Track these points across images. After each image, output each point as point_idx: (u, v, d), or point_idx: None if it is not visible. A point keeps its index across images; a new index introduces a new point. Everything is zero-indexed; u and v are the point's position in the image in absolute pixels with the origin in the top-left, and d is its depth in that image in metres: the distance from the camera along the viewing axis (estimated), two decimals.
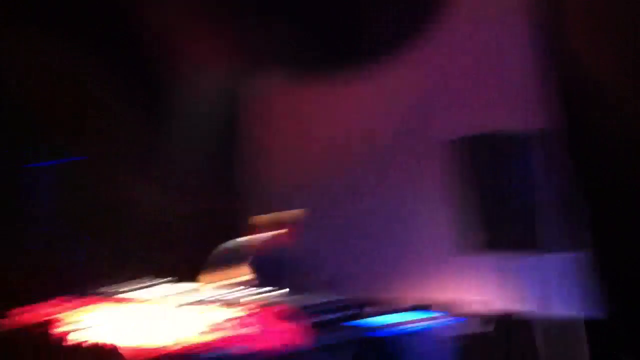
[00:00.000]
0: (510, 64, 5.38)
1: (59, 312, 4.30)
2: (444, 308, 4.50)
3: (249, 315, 3.70)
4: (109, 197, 6.45)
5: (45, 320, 4.21)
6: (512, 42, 5.38)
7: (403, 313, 4.32)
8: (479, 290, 5.17)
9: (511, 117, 4.97)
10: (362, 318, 3.98)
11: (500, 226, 4.21)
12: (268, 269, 4.72)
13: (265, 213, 5.35)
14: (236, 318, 3.69)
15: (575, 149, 5.03)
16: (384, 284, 5.82)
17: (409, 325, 4.01)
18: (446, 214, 4.53)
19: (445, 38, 5.76)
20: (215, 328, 3.61)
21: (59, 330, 4.04)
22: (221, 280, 4.67)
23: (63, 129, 6.48)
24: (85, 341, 3.85)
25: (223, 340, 3.50)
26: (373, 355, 3.88)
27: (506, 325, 4.74)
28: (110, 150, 6.54)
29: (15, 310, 4.42)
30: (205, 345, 3.47)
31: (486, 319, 4.73)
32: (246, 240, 5.13)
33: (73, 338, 3.91)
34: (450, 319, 4.21)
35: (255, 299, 4.04)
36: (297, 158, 6.78)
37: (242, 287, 4.45)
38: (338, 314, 3.90)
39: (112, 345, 3.67)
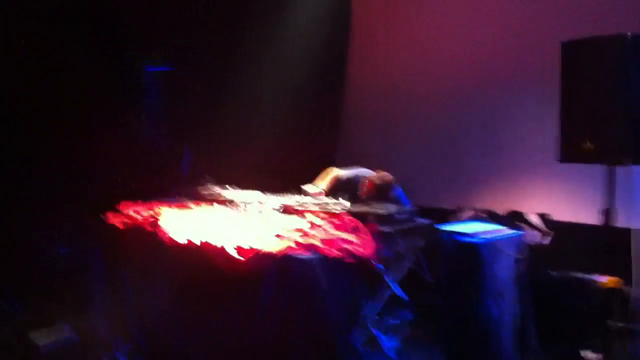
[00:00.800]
0: None
1: (163, 212, 4.66)
2: (509, 219, 4.74)
3: (326, 224, 4.00)
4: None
5: (154, 220, 4.54)
6: None
7: (467, 222, 4.61)
8: (577, 198, 5.37)
9: (624, 21, 4.94)
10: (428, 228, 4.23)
11: (611, 135, 3.94)
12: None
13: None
14: (315, 226, 4.00)
15: None
16: (485, 191, 6.11)
17: (473, 234, 4.22)
18: (552, 120, 4.32)
19: None
20: (297, 234, 3.89)
21: (167, 228, 4.32)
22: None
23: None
24: (192, 241, 4.10)
25: (305, 246, 3.77)
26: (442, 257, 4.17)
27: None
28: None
29: (124, 207, 4.81)
30: (292, 249, 3.74)
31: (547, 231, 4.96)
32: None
33: (181, 238, 4.16)
34: (514, 231, 4.42)
35: (330, 208, 4.29)
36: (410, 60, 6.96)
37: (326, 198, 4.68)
38: (406, 224, 4.15)
39: (221, 246, 3.89)
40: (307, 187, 4.97)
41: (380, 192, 4.84)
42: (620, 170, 4.07)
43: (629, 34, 3.91)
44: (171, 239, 4.25)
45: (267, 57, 7.29)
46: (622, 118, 3.94)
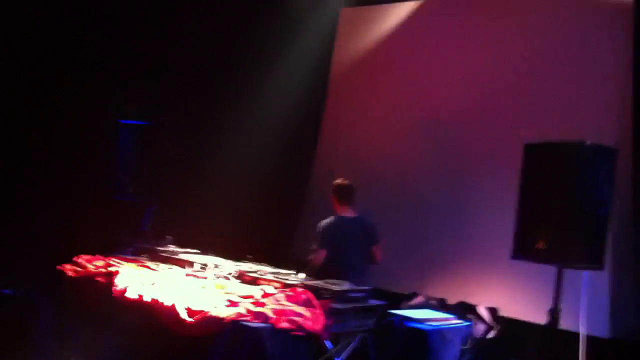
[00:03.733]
0: (596, 79, 5.68)
1: (119, 266, 4.66)
2: (458, 308, 4.82)
3: (279, 294, 4.03)
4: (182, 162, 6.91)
5: (107, 272, 4.53)
6: (603, 60, 5.67)
7: (418, 309, 4.67)
8: (528, 296, 5.47)
9: (588, 129, 5.24)
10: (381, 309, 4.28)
11: (564, 237, 4.01)
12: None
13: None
14: (268, 295, 4.03)
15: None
16: (434, 282, 6.22)
17: (423, 321, 4.26)
18: (509, 218, 4.41)
19: (540, 43, 6.09)
20: (249, 303, 3.92)
21: (119, 282, 4.32)
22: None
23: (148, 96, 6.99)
24: (143, 297, 4.09)
25: (255, 314, 3.77)
26: (383, 342, 4.17)
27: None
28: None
29: (80, 258, 4.81)
30: (242, 316, 3.73)
31: (494, 325, 5.05)
32: None
33: (132, 293, 4.16)
34: (462, 321, 4.48)
35: (284, 279, 4.36)
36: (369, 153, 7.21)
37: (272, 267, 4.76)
38: (359, 303, 4.19)
39: (171, 305, 3.89)
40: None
41: None
42: (570, 273, 4.18)
43: (587, 142, 4.10)
44: (123, 293, 4.24)
45: (242, 121, 7.43)
46: (576, 223, 4.06)
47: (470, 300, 5.58)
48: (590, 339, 4.27)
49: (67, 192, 6.61)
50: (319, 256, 5.34)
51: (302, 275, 4.55)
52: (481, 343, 4.88)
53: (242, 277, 4.51)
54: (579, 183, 4.07)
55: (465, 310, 5.29)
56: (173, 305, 3.92)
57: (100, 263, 4.77)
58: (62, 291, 4.75)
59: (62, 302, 4.71)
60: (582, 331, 4.20)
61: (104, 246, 5.29)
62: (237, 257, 5.03)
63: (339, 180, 5.62)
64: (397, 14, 7.28)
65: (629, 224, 5.29)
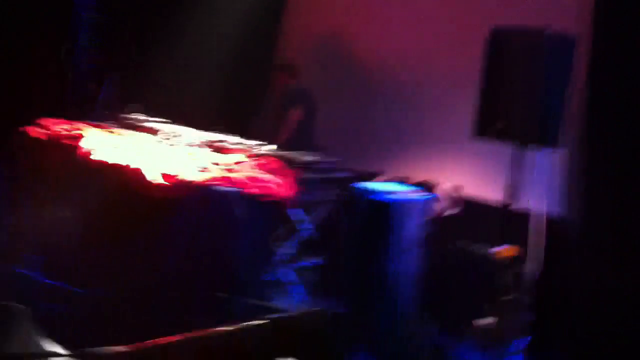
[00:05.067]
0: None
1: (82, 129, 4.61)
2: (422, 186, 4.96)
3: (250, 162, 4.09)
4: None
5: (72, 135, 4.48)
6: None
7: (385, 183, 4.79)
8: (485, 178, 5.62)
9: (549, 17, 4.97)
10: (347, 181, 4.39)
11: (522, 117, 4.18)
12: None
13: None
14: (240, 162, 4.09)
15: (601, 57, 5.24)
16: (398, 162, 6.34)
17: (386, 193, 4.37)
18: (469, 99, 4.55)
19: None
20: (221, 168, 3.97)
21: (85, 144, 4.30)
22: None
23: None
24: (108, 160, 4.12)
25: (227, 179, 3.86)
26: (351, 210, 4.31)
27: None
28: None
29: (43, 121, 4.69)
30: (213, 180, 3.81)
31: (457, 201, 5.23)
32: None
33: (98, 155, 4.17)
34: (424, 194, 4.64)
35: (257, 149, 4.42)
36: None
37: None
38: (327, 174, 4.33)
39: (137, 168, 3.93)
40: None
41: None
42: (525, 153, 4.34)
43: (549, 30, 4.18)
44: (89, 155, 4.22)
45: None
46: (534, 104, 4.21)
47: (433, 179, 5.71)
48: (544, 217, 4.44)
49: (19, 60, 6.36)
50: (297, 114, 5.66)
51: (272, 146, 4.58)
52: (445, 219, 5.06)
53: (213, 146, 4.50)
54: (539, 68, 4.18)
55: (428, 188, 5.43)
56: (139, 169, 3.93)
57: (65, 127, 4.67)
58: (24, 153, 4.66)
59: (27, 164, 4.63)
60: (535, 208, 4.38)
61: (64, 114, 5.16)
62: (207, 128, 4.99)
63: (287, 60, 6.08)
64: None
65: (582, 109, 5.43)
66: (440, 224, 4.81)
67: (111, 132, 4.74)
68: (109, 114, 5.25)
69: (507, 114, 4.25)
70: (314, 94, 6.08)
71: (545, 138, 4.26)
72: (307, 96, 5.88)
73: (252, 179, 3.90)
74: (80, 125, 4.74)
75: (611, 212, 5.15)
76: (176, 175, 3.85)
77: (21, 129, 4.67)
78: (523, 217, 4.50)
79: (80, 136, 4.46)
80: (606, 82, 5.30)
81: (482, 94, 4.41)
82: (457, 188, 5.38)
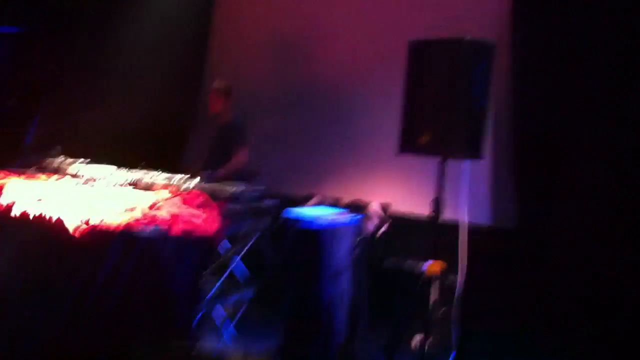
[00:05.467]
0: None
1: (5, 179, 4.49)
2: (352, 207, 5.01)
3: (175, 198, 4.06)
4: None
5: None
6: None
7: (313, 207, 4.82)
8: (413, 192, 5.72)
9: (468, 26, 5.21)
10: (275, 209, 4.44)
11: (446, 130, 4.19)
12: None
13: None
14: (164, 200, 4.05)
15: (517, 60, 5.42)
16: (328, 183, 6.39)
17: (315, 218, 4.40)
18: (394, 115, 4.53)
19: None
20: (145, 208, 3.92)
21: (5, 197, 4.18)
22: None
23: None
24: (28, 212, 4.00)
25: (151, 219, 3.80)
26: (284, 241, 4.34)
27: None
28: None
29: None
30: (137, 222, 3.76)
31: (386, 220, 5.30)
32: None
33: (18, 208, 4.05)
34: (352, 216, 4.68)
35: (180, 184, 4.37)
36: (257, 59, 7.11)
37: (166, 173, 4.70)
38: (254, 204, 4.32)
39: (58, 219, 3.85)
40: None
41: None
42: (453, 167, 4.41)
43: (466, 38, 4.25)
44: (9, 209, 4.11)
45: (127, 23, 7.11)
46: (456, 115, 4.24)
47: (363, 198, 5.79)
48: (472, 227, 4.52)
49: None
50: (244, 154, 5.44)
51: (196, 180, 4.56)
52: (374, 237, 5.11)
53: (136, 184, 4.48)
54: (459, 78, 4.22)
55: (358, 208, 5.50)
56: (59, 219, 3.87)
57: None
58: None
59: None
60: (462, 220, 4.46)
61: None
62: (129, 166, 4.95)
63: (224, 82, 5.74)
64: None
65: (507, 116, 5.57)
66: (370, 243, 4.87)
67: (34, 178, 4.67)
68: (31, 159, 5.15)
69: (430, 127, 4.28)
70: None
71: (469, 149, 4.31)
72: (248, 130, 5.68)
73: (177, 217, 3.88)
74: (1, 173, 4.64)
75: (540, 217, 5.32)
76: (99, 221, 3.79)
77: None
78: (452, 229, 4.59)
79: (1, 187, 4.36)
80: (530, 86, 5.47)
81: (404, 109, 4.43)
82: (385, 205, 5.46)
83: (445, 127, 4.22)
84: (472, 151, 4.32)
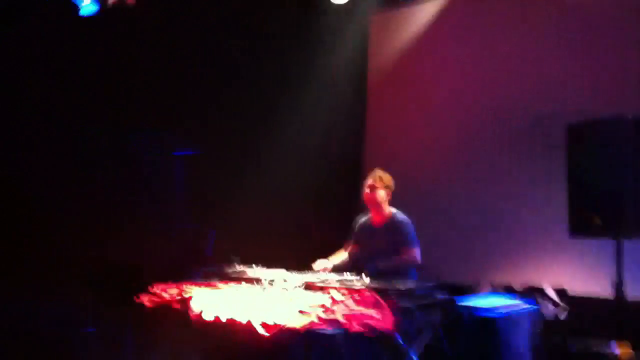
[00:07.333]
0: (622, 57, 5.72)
1: (190, 291, 4.83)
2: (525, 292, 4.88)
3: (348, 300, 4.15)
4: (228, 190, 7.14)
5: (182, 298, 4.71)
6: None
7: (485, 296, 4.75)
8: (588, 273, 5.59)
9: (621, 104, 5.21)
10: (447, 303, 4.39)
11: (618, 211, 4.16)
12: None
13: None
14: (336, 301, 4.16)
15: None
16: (495, 269, 6.30)
17: (491, 309, 4.36)
18: (558, 199, 4.56)
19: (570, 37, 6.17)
20: (319, 311, 4.04)
21: (195, 306, 4.51)
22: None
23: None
24: (220, 318, 4.27)
25: (328, 321, 3.94)
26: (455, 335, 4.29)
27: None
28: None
29: (155, 288, 4.97)
30: (315, 324, 3.91)
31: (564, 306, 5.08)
32: None
33: (209, 315, 4.34)
34: (528, 305, 4.57)
35: (350, 284, 4.46)
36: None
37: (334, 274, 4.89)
38: (425, 299, 4.30)
39: (247, 322, 4.06)
40: (315, 264, 5.19)
41: None
42: (627, 244, 4.23)
43: (630, 115, 4.16)
44: (199, 316, 4.43)
45: (284, 140, 7.60)
46: (628, 195, 4.15)
47: (534, 283, 5.62)
48: None
49: (129, 226, 6.88)
50: (416, 253, 5.31)
51: (366, 279, 4.68)
52: (553, 324, 4.92)
53: (309, 287, 4.65)
54: (624, 157, 4.14)
55: (533, 293, 5.34)
56: (249, 322, 4.09)
57: (174, 290, 4.95)
58: (142, 322, 4.97)
59: (142, 333, 4.94)
60: None
61: (175, 274, 5.50)
62: (300, 268, 5.17)
63: (383, 172, 5.56)
64: (426, 13, 7.38)
65: None
66: (550, 328, 4.70)
67: (217, 287, 4.97)
68: (213, 270, 5.52)
69: (600, 208, 4.20)
70: None
71: None
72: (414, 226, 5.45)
73: (352, 317, 3.98)
74: (188, 286, 5.00)
75: None
76: (280, 325, 3.98)
77: (137, 299, 5.03)
78: (636, 308, 4.35)
79: (190, 299, 4.71)
80: None
81: (570, 192, 4.39)
82: (561, 290, 5.26)
83: (615, 208, 4.12)
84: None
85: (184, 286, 5.02)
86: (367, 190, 5.49)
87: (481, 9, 6.94)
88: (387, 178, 5.50)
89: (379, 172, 5.53)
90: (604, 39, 5.91)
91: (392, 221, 5.47)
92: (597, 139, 4.31)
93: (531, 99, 6.40)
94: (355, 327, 3.91)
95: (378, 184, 5.45)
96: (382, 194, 5.45)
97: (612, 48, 5.84)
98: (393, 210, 5.54)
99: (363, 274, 4.67)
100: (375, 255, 5.35)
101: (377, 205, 5.48)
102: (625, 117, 4.18)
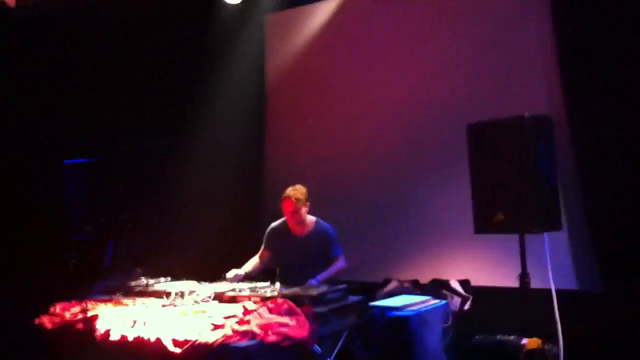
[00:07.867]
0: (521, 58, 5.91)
1: (94, 309, 4.61)
2: (431, 286, 4.99)
3: (261, 309, 4.10)
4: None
5: (85, 317, 4.49)
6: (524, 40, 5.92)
7: (396, 297, 4.82)
8: (494, 267, 5.72)
9: (521, 104, 5.41)
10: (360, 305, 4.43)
11: (521, 208, 4.26)
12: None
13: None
14: (250, 311, 4.10)
15: (576, 135, 5.52)
16: (405, 266, 6.39)
17: (402, 308, 4.44)
18: (464, 196, 4.63)
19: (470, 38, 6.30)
20: (233, 323, 3.96)
21: (101, 326, 4.30)
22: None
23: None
24: (127, 337, 4.11)
25: (242, 333, 3.86)
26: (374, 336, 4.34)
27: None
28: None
29: (55, 307, 4.75)
30: (228, 337, 3.81)
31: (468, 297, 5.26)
32: None
33: (115, 334, 4.17)
34: (439, 301, 4.68)
35: (263, 292, 4.42)
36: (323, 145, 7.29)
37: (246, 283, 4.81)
38: (338, 303, 4.33)
39: (156, 339, 3.93)
40: (228, 274, 5.10)
41: None
42: (530, 237, 4.41)
43: (526, 114, 4.33)
44: (107, 336, 4.24)
45: (187, 148, 7.44)
46: (528, 193, 4.30)
47: (442, 277, 5.76)
48: (560, 293, 4.49)
49: (21, 239, 6.52)
50: (343, 260, 5.36)
51: (278, 286, 4.63)
52: (460, 317, 5.06)
53: (220, 297, 4.56)
54: (525, 155, 4.31)
55: (438, 286, 5.48)
56: (158, 339, 3.96)
57: (76, 309, 4.72)
58: (44, 343, 4.70)
59: (45, 354, 4.67)
60: (553, 287, 4.40)
61: (73, 289, 5.24)
62: (210, 279, 5.06)
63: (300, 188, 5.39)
64: (322, 13, 7.36)
65: (575, 187, 5.56)
66: (458, 322, 4.83)
67: (122, 304, 4.78)
68: (116, 284, 5.30)
69: (504, 206, 4.34)
70: None
71: (547, 223, 4.36)
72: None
73: (267, 326, 3.93)
74: (91, 304, 4.77)
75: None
76: (192, 340, 3.86)
77: (37, 320, 4.74)
78: (540, 296, 4.53)
79: (95, 317, 4.49)
80: (591, 158, 5.46)
81: (474, 191, 4.51)
82: (466, 282, 5.42)
83: (518, 205, 4.27)
84: (551, 225, 4.37)
85: (87, 304, 4.78)
86: (288, 217, 5.34)
87: (381, 6, 6.99)
88: (301, 193, 5.28)
89: (290, 192, 5.29)
90: (507, 38, 6.09)
91: (315, 230, 5.41)
92: (496, 138, 4.45)
93: (435, 98, 6.51)
94: (271, 336, 3.86)
95: (297, 206, 5.26)
96: (303, 212, 5.32)
97: (513, 47, 6.02)
98: (313, 218, 5.47)
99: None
100: (303, 263, 5.25)
101: (302, 223, 5.38)
102: (523, 116, 4.32)
